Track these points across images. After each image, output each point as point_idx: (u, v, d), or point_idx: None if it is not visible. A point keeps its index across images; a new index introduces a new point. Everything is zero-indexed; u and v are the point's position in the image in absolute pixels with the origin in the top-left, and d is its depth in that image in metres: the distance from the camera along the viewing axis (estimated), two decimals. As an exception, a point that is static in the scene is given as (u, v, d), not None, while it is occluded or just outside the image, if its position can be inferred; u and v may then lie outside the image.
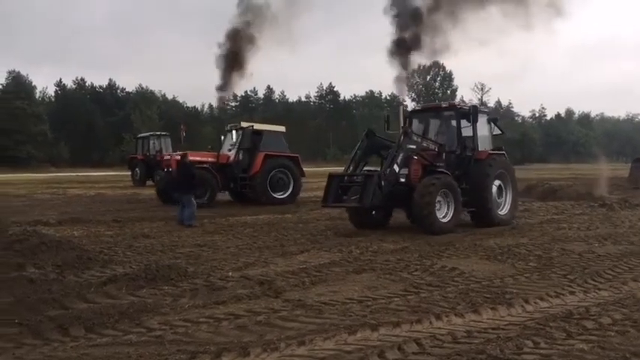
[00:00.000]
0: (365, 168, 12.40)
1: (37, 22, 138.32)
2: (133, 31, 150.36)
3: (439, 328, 5.29)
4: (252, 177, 19.13)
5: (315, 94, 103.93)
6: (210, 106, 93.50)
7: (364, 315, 5.71)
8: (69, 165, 67.74)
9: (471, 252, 9.31)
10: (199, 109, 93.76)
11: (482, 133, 13.24)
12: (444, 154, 12.63)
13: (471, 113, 12.69)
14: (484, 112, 13.86)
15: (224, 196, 20.28)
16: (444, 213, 11.64)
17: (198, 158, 18.47)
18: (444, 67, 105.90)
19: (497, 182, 12.98)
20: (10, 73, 75.10)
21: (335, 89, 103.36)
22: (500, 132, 14.17)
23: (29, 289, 6.74)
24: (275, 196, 19.46)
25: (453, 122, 13.19)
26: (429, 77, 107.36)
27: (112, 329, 5.29)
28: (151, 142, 33.18)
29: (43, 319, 5.53)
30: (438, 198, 11.50)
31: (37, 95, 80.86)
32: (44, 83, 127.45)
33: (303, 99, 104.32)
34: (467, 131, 12.84)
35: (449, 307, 5.98)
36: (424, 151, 12.37)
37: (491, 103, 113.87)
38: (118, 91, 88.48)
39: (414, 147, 12.08)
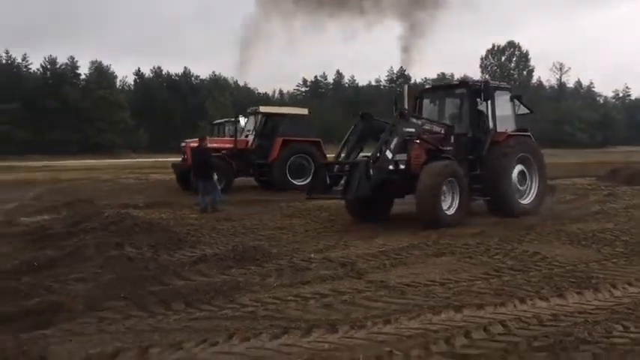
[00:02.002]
0: (361, 154, 11.14)
1: (117, 14, 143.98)
2: (208, 19, 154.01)
3: (524, 310, 5.31)
4: (271, 163, 18.83)
5: (386, 78, 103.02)
6: (281, 91, 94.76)
7: (447, 297, 5.81)
8: (147, 151, 70.61)
9: (553, 237, 9.11)
10: (270, 95, 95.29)
11: (504, 113, 12.09)
12: (452, 137, 11.47)
13: (482, 90, 11.55)
14: (505, 89, 12.73)
15: (249, 180, 20.16)
16: (448, 204, 10.46)
17: (215, 145, 17.84)
18: (519, 47, 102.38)
19: (519, 167, 11.80)
20: (92, 63, 79.03)
21: (406, 72, 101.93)
22: (527, 111, 12.93)
23: (128, 266, 7.23)
24: (295, 182, 18.88)
25: (466, 101, 12.04)
26: (503, 58, 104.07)
27: (209, 304, 5.66)
28: (227, 128, 34.05)
29: (145, 293, 5.98)
30: (443, 188, 10.32)
31: (118, 84, 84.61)
32: (124, 72, 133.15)
33: (373, 83, 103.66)
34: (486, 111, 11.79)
35: (533, 291, 5.96)
36: (428, 134, 11.21)
37: (571, 84, 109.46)
38: (193, 78, 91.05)
39: (412, 130, 10.80)
